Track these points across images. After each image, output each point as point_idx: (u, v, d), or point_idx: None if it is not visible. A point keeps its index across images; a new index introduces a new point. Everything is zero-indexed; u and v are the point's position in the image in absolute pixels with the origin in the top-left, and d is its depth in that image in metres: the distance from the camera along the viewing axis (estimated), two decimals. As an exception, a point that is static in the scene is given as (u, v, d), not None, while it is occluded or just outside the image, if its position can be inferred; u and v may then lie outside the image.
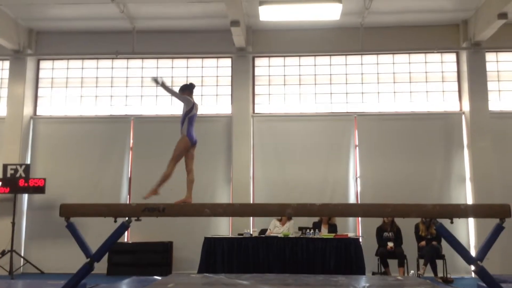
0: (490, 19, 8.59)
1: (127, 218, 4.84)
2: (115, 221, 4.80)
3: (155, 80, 5.40)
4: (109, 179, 9.72)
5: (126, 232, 8.93)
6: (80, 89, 10.25)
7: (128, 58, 10.19)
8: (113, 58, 10.14)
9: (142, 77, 10.21)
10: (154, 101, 10.15)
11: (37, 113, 10.21)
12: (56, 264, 9.08)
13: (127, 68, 10.27)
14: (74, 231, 4.78)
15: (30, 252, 9.44)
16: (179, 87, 5.55)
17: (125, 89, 10.21)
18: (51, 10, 9.40)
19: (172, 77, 10.16)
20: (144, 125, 10.00)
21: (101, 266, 7.99)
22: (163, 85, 5.36)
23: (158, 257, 8.95)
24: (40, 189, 9.05)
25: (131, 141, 9.94)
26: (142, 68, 10.26)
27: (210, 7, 9.11)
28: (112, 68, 10.28)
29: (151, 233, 9.07)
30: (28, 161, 9.77)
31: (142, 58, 10.21)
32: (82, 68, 10.32)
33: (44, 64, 10.40)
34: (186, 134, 5.27)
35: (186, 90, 5.48)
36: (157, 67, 10.22)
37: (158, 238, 9.11)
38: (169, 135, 9.72)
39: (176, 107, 10.04)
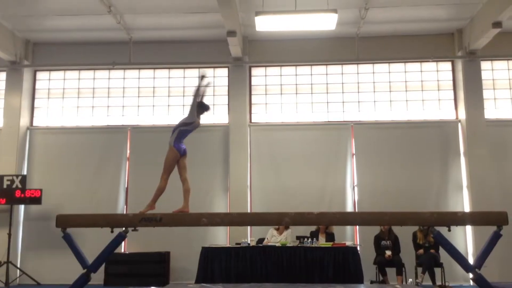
0: (485, 28, 8.66)
1: (124, 228, 4.81)
2: (112, 232, 4.78)
3: (202, 77, 5.33)
4: (106, 189, 9.69)
5: (123, 243, 8.90)
6: (77, 100, 10.25)
7: (124, 69, 10.22)
8: (109, 69, 10.16)
9: (139, 87, 10.24)
10: (151, 111, 10.16)
11: (34, 124, 10.19)
12: (52, 275, 9.02)
13: (124, 78, 10.29)
14: (70, 242, 4.75)
15: (27, 263, 9.37)
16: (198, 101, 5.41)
17: (121, 99, 10.21)
18: (48, 22, 9.43)
19: (169, 87, 10.19)
20: (141, 135, 9.99)
21: (98, 277, 7.95)
22: (199, 85, 5.25)
23: (155, 267, 8.89)
24: (37, 200, 9.01)
25: (128, 151, 9.93)
26: (138, 78, 10.28)
27: (206, 18, 9.15)
28: (108, 78, 10.30)
29: (148, 243, 9.02)
30: (25, 172, 9.74)
31: (139, 69, 10.24)
32: (79, 79, 10.33)
33: (40, 75, 10.41)
34: (172, 145, 5.27)
35: (199, 108, 5.36)
36: (154, 77, 10.25)
37: (155, 248, 9.06)
38: (166, 145, 9.77)
39: (173, 117, 10.06)
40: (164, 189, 5.30)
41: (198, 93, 5.31)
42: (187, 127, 5.32)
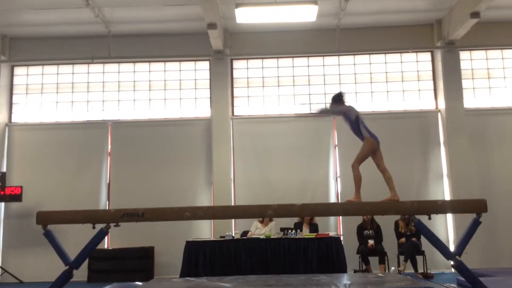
0: (463, 18, 8.75)
1: (105, 224, 4.77)
2: (94, 228, 4.74)
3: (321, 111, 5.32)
4: (87, 185, 9.60)
5: (106, 238, 8.83)
6: (56, 95, 10.10)
7: (104, 63, 10.09)
8: (89, 63, 10.02)
9: (119, 81, 10.13)
10: (132, 105, 10.07)
11: (12, 120, 10.03)
12: (35, 273, 8.93)
13: (103, 72, 10.16)
14: (51, 239, 4.70)
15: (8, 262, 9.25)
16: (331, 101, 5.47)
17: (101, 94, 10.10)
18: (25, 16, 9.25)
19: (149, 81, 10.11)
20: (122, 130, 9.91)
21: (81, 274, 7.90)
22: (322, 111, 5.32)
23: (139, 263, 8.86)
24: (17, 197, 8.88)
25: (109, 146, 9.84)
26: (118, 72, 10.16)
27: (186, 10, 9.08)
28: (88, 73, 10.16)
29: (131, 239, 8.98)
30: (4, 169, 9.59)
31: (119, 62, 10.12)
32: (58, 74, 10.17)
33: (18, 71, 10.22)
34: (369, 136, 5.25)
35: (340, 100, 5.42)
36: (134, 71, 10.15)
37: (139, 243, 9.02)
38: (147, 140, 9.80)
39: (154, 112, 9.99)
40: (361, 177, 5.41)
41: (328, 110, 5.43)
42: (360, 115, 5.32)
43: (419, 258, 8.14)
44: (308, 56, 10.09)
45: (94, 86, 10.12)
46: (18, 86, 10.16)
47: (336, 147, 9.72)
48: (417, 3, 9.20)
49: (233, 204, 9.29)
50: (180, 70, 10.16)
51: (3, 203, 9.43)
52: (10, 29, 9.80)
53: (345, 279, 5.66)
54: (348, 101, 5.55)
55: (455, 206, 5.30)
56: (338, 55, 10.02)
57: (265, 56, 10.06)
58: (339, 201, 9.44)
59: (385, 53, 10.04)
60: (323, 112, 5.36)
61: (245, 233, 8.30)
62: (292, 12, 8.12)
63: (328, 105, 5.41)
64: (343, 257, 7.36)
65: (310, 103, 9.95)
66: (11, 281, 8.89)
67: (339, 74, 10.04)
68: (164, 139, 9.77)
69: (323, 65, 10.09)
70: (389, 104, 9.93)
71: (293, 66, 10.11)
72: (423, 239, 7.51)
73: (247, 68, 10.14)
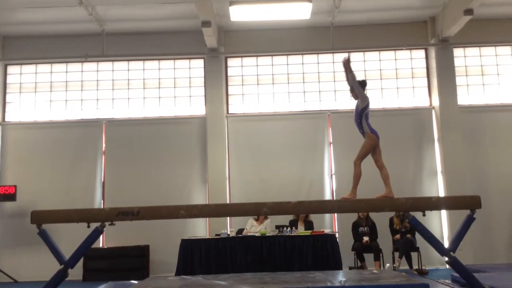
0: (457, 15, 8.78)
1: (100, 223, 4.76)
2: (88, 226, 4.73)
3: (347, 61, 5.21)
4: (82, 184, 9.57)
5: (101, 237, 8.81)
6: (50, 94, 10.05)
7: (98, 61, 10.05)
8: (82, 62, 9.98)
9: (113, 80, 10.09)
10: (126, 104, 10.04)
11: (6, 120, 9.97)
12: (30, 273, 8.91)
13: (97, 71, 10.12)
14: (46, 238, 4.69)
15: (3, 261, 9.20)
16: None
17: (95, 92, 10.06)
18: (18, 15, 9.19)
19: (144, 79, 10.08)
20: (116, 129, 9.87)
21: (77, 273, 7.89)
22: (349, 70, 5.20)
23: (134, 261, 8.86)
24: (11, 197, 8.85)
25: (104, 145, 9.81)
26: (112, 70, 10.12)
27: (180, 8, 9.06)
28: (82, 71, 10.11)
29: (126, 237, 8.96)
30: (-2, 169, 9.56)
31: (113, 61, 10.08)
32: (51, 73, 10.12)
33: (12, 69, 10.16)
34: (370, 132, 5.26)
35: (363, 86, 5.42)
36: (128, 69, 10.11)
37: (134, 242, 9.00)
38: (142, 138, 9.78)
39: (149, 110, 9.97)
40: (361, 174, 5.37)
41: (354, 75, 5.27)
42: (367, 109, 5.32)
43: (414, 255, 8.18)
44: (302, 54, 10.09)
45: (88, 85, 10.07)
46: (12, 85, 10.10)
47: (331, 145, 9.74)
48: (411, 0, 9.21)
49: (228, 202, 9.30)
50: (174, 68, 10.13)
51: (-3, 203, 9.39)
52: (3, 28, 9.74)
53: (340, 276, 5.67)
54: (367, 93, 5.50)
55: (449, 203, 5.32)
56: (333, 53, 10.02)
57: (260, 54, 10.05)
58: (334, 198, 9.47)
59: (379, 50, 10.05)
60: (349, 71, 5.28)
61: (240, 231, 8.31)
62: (286, 9, 8.14)
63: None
64: (338, 254, 7.38)
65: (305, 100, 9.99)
66: (6, 281, 8.85)
67: (334, 72, 10.05)
68: (159, 138, 9.75)
69: (318, 63, 10.09)
70: (383, 102, 9.95)
71: (287, 64, 10.11)
72: (418, 236, 7.54)
73: (242, 66, 10.13)
